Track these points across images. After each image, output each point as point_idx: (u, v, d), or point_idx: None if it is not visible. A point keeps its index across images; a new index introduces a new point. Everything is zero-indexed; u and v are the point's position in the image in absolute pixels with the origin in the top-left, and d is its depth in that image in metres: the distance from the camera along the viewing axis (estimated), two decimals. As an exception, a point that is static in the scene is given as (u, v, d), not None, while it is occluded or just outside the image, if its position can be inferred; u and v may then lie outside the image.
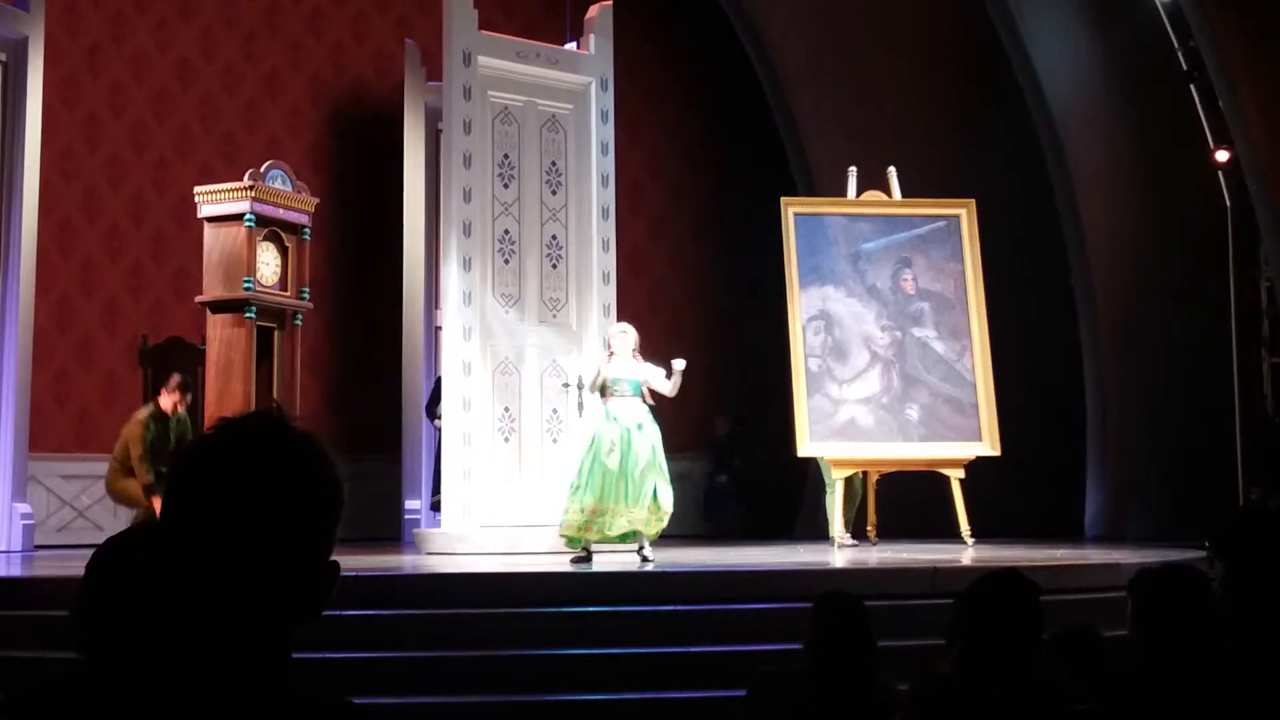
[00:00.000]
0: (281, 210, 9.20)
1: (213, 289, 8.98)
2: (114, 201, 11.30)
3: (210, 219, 9.08)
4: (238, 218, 8.90)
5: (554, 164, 10.00)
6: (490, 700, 5.90)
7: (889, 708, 3.61)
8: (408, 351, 11.09)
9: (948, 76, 12.41)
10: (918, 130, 12.21)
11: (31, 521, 9.47)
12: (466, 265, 9.38)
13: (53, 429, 10.75)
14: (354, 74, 12.41)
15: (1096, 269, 11.54)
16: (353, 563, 6.99)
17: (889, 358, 10.43)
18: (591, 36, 10.23)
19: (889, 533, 10.33)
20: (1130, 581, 2.91)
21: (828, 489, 10.05)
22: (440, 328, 10.15)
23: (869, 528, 10.30)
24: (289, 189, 9.34)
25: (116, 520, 10.66)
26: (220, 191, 9.11)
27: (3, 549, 9.13)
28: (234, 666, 1.32)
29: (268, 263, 9.08)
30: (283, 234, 9.22)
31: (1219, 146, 10.74)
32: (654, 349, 13.77)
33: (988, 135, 12.11)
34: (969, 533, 9.78)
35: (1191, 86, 10.82)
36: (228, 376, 8.83)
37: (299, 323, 9.36)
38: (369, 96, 12.39)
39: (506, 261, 9.69)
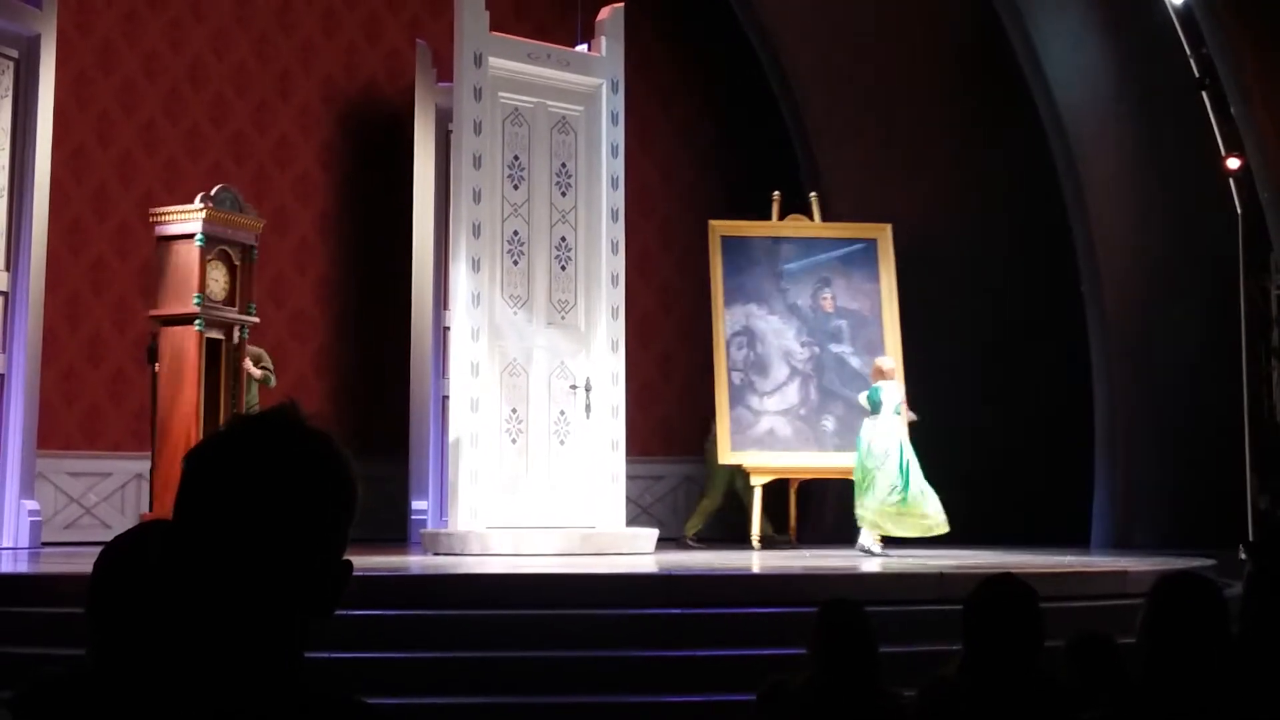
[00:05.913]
0: (230, 231, 9.54)
1: (165, 304, 9.29)
2: (125, 200, 11.31)
3: (163, 238, 9.41)
4: (189, 237, 9.25)
5: (564, 166, 10.01)
6: (496, 701, 5.91)
7: (895, 713, 3.61)
8: (416, 352, 11.09)
9: (959, 83, 12.39)
10: (928, 136, 12.19)
11: (39, 518, 9.49)
12: (475, 266, 9.38)
13: (61, 426, 10.77)
14: (365, 74, 12.41)
15: (1107, 275, 11.52)
16: (360, 562, 6.95)
17: (807, 372, 11.20)
18: (602, 39, 10.23)
19: (843, 538, 10.17)
20: (1152, 589, 2.89)
21: (751, 494, 10.78)
22: (448, 328, 10.17)
23: (789, 531, 11.21)
24: (237, 212, 9.63)
25: (124, 518, 10.69)
26: (173, 213, 9.49)
27: (10, 546, 9.15)
28: (246, 664, 1.32)
29: (217, 279, 9.46)
30: (231, 253, 9.54)
31: (1230, 154, 10.71)
32: (663, 352, 13.70)
33: (999, 141, 12.09)
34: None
35: (1203, 94, 10.79)
36: (178, 383, 9.14)
37: (245, 335, 9.68)
38: (380, 97, 12.39)
39: (515, 263, 9.70)
